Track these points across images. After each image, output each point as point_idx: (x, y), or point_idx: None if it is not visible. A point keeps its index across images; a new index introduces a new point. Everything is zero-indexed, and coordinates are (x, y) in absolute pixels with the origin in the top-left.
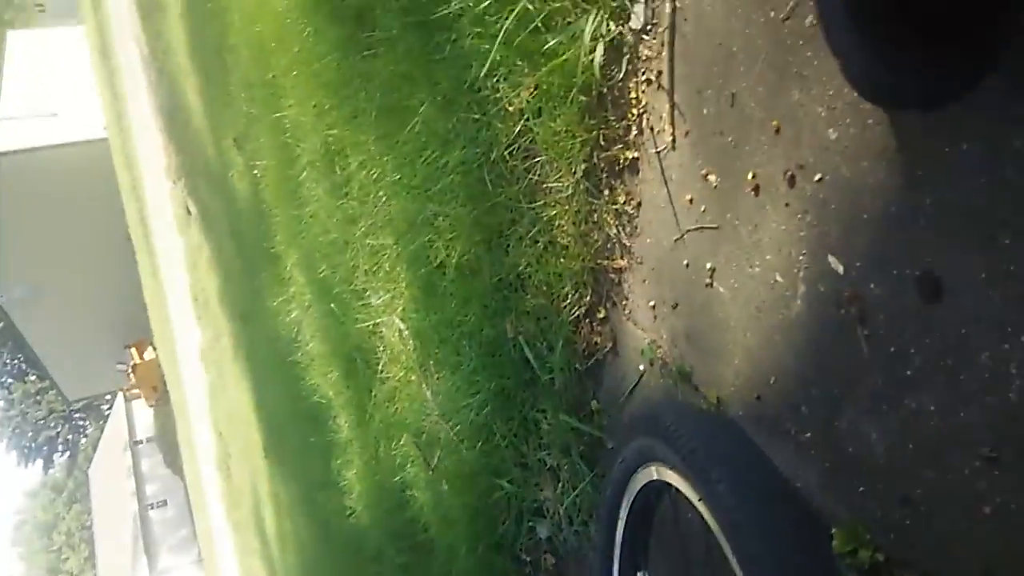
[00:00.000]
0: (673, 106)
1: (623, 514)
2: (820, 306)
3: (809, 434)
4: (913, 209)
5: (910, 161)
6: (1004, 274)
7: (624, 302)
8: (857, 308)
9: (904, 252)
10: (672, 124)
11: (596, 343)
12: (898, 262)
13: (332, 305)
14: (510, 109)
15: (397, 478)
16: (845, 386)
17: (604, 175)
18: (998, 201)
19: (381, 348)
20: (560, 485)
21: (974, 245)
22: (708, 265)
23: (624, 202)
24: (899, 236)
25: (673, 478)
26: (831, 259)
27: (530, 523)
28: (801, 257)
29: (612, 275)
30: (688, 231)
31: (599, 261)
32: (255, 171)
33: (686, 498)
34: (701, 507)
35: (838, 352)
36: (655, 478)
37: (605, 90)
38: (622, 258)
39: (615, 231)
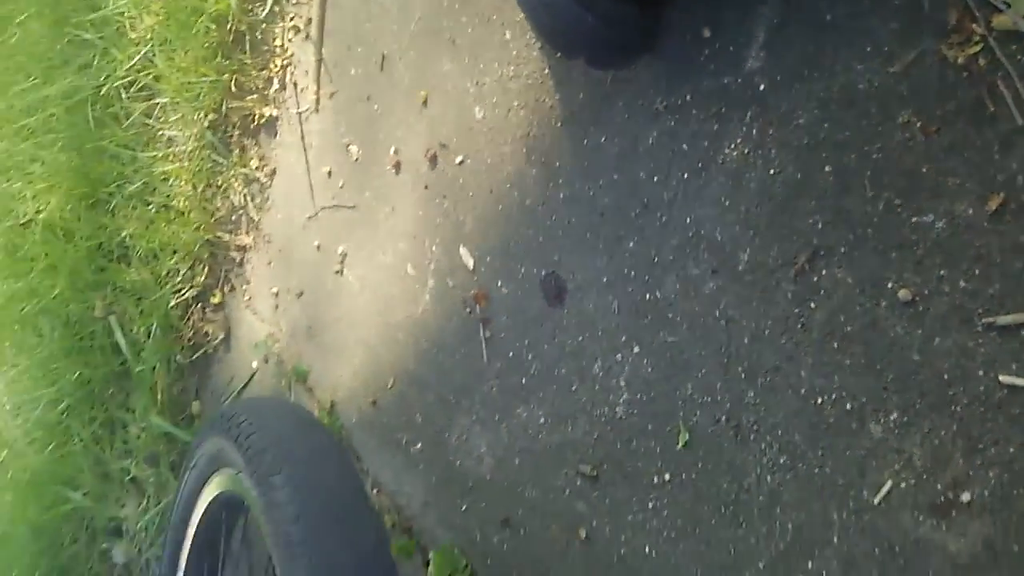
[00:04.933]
0: (320, 61)
1: (191, 532)
2: (448, 304)
3: (419, 445)
4: (546, 203)
5: (550, 150)
6: (625, 279)
7: (245, 287)
8: (483, 308)
9: (533, 249)
10: (318, 82)
11: (206, 333)
12: (526, 259)
13: None
14: (132, 36)
15: None
16: (461, 393)
17: (236, 131)
18: (628, 201)
19: None
20: (145, 501)
21: (600, 246)
22: (340, 250)
23: (257, 167)
24: (530, 231)
25: (240, 486)
26: (463, 251)
27: (104, 545)
28: (435, 248)
29: (234, 253)
30: (323, 209)
31: (220, 235)
32: None
33: (253, 510)
34: (262, 519)
35: (459, 356)
36: (226, 488)
37: (245, 28)
38: (248, 234)
39: (243, 200)
